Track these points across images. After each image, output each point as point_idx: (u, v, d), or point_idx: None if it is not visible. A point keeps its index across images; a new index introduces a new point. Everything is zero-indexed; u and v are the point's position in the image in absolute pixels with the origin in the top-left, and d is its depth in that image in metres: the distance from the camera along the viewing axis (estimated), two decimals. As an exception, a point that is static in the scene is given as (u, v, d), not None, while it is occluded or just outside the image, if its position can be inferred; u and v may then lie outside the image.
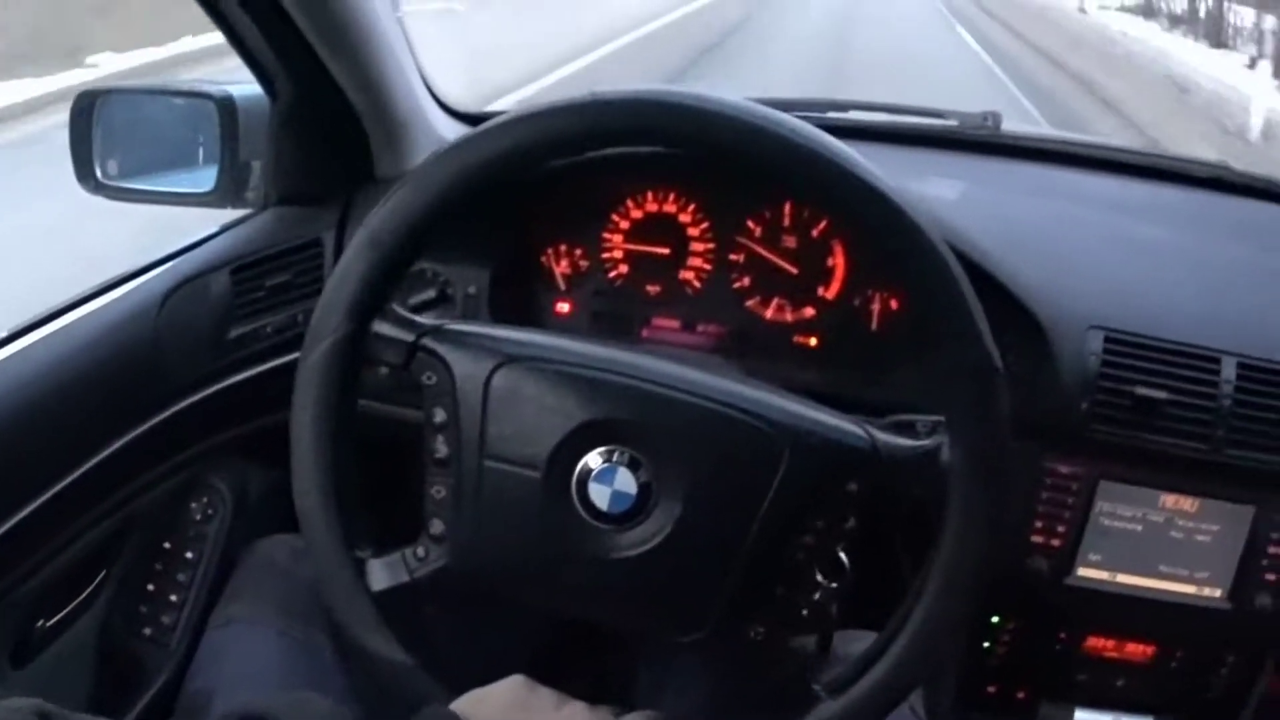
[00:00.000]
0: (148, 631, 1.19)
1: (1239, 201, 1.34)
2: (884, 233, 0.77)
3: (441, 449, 0.84)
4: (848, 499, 0.82)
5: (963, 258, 0.80)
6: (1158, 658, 1.20)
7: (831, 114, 1.37)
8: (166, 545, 1.20)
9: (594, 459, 0.82)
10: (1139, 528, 1.10)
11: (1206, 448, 1.06)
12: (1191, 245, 1.25)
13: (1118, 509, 1.09)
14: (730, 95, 0.80)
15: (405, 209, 0.82)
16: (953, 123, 1.37)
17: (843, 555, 0.87)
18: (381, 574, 0.85)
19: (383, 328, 0.84)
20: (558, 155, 0.81)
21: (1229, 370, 1.06)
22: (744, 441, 0.81)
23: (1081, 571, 1.10)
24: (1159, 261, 1.19)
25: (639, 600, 0.84)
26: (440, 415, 0.84)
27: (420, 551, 0.85)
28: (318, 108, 1.16)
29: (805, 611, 0.85)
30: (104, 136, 1.21)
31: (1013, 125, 1.37)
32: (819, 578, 0.85)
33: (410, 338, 0.84)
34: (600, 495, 0.82)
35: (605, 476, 0.82)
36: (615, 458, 0.81)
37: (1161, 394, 1.05)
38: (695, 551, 0.82)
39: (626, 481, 0.81)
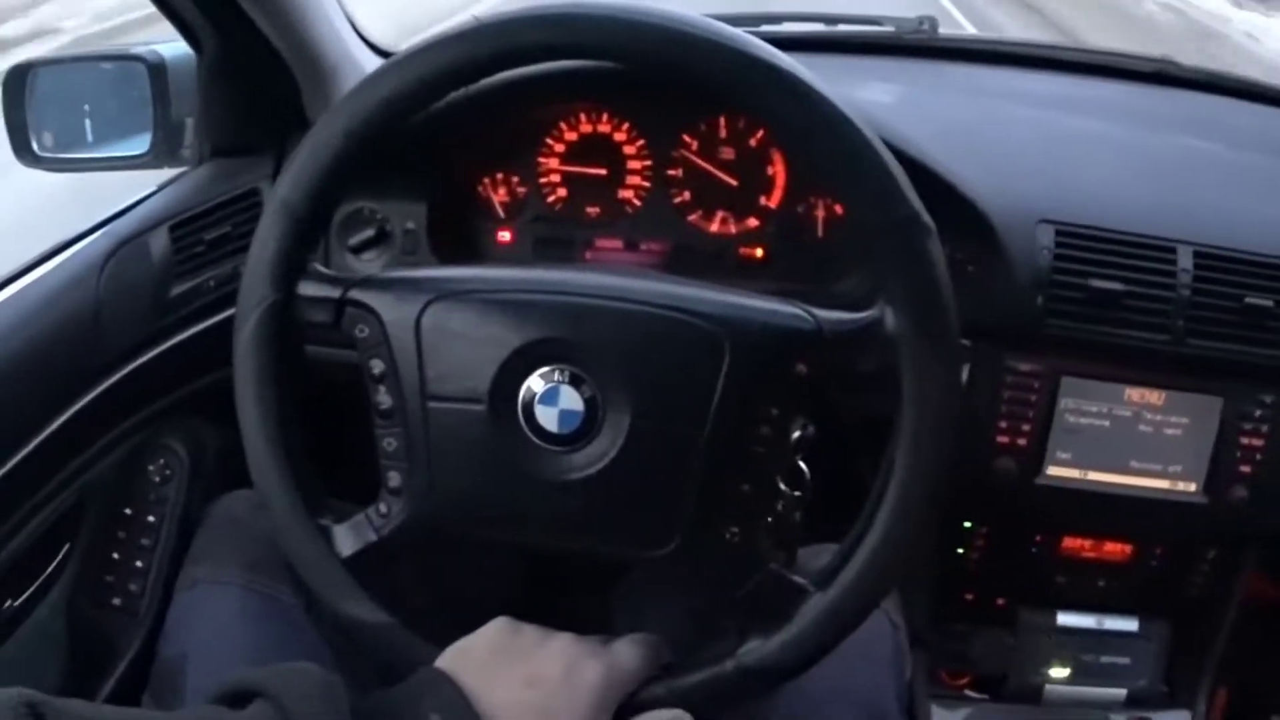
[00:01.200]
0: (116, 601, 1.18)
1: (1184, 94, 1.34)
2: (792, 111, 0.76)
3: (385, 400, 0.83)
4: (798, 382, 0.81)
5: (903, 157, 0.79)
6: (1136, 556, 1.19)
7: (765, 26, 1.36)
8: (127, 511, 1.18)
9: (535, 382, 0.80)
10: (1106, 423, 1.09)
11: (1167, 339, 1.05)
12: (1139, 137, 1.24)
13: (1082, 405, 1.08)
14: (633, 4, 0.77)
15: (307, 171, 0.81)
16: (889, 29, 1.36)
17: (802, 465, 0.86)
18: (347, 538, 0.84)
19: (307, 288, 0.83)
20: (449, 87, 0.79)
21: (1185, 259, 1.05)
22: (682, 339, 0.80)
23: (1051, 470, 1.10)
24: (1107, 154, 1.18)
25: (605, 519, 0.83)
26: (378, 366, 0.83)
27: (382, 508, 0.84)
28: (245, 58, 1.14)
29: (770, 519, 0.83)
30: (38, 109, 1.20)
31: (950, 30, 1.36)
32: (781, 485, 0.84)
33: (336, 294, 0.83)
34: (547, 417, 0.80)
35: (549, 398, 0.80)
36: (557, 377, 0.80)
37: (1118, 285, 1.04)
38: (653, 459, 0.80)
39: (571, 399, 0.80)
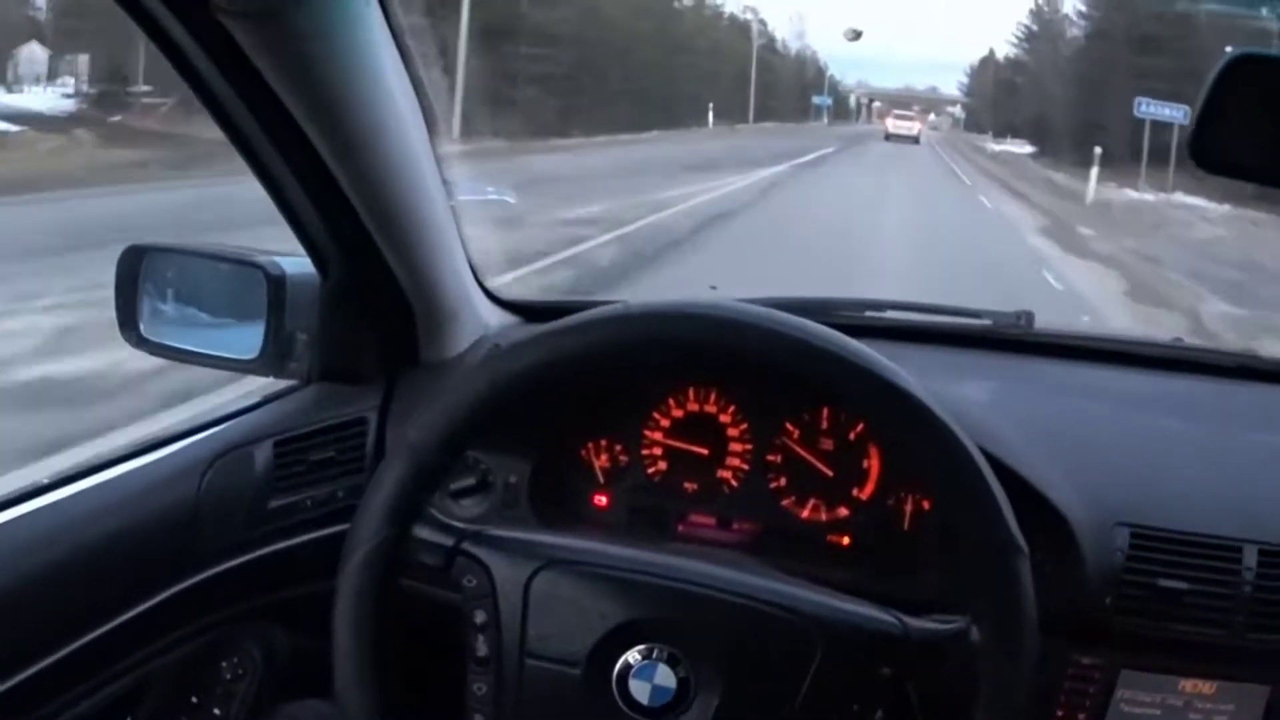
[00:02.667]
0: None
1: (1266, 388, 1.38)
2: (901, 424, 0.83)
3: (482, 648, 0.89)
4: (881, 682, 0.86)
5: (991, 459, 0.85)
6: None
7: (869, 313, 1.41)
8: (194, 699, 1.20)
9: (633, 656, 0.86)
10: (1158, 713, 1.11)
11: (1226, 633, 1.07)
12: (1216, 435, 1.27)
13: (1138, 696, 1.10)
14: (753, 305, 0.86)
15: (441, 421, 0.87)
16: (987, 322, 1.39)
17: None
18: None
19: (422, 532, 0.89)
20: (589, 368, 0.86)
21: (1250, 558, 1.08)
22: (778, 634, 0.86)
23: None
24: (1185, 453, 1.22)
25: None
26: (480, 616, 0.89)
27: None
28: (367, 289, 1.19)
29: None
30: (149, 293, 1.24)
31: (1047, 321, 1.39)
32: None
33: (450, 542, 0.90)
34: (641, 690, 0.86)
35: (645, 673, 0.86)
36: (655, 655, 0.86)
37: (1183, 585, 1.07)
38: None
39: (666, 677, 0.86)
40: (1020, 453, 1.08)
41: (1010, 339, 1.40)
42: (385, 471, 0.88)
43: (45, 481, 1.06)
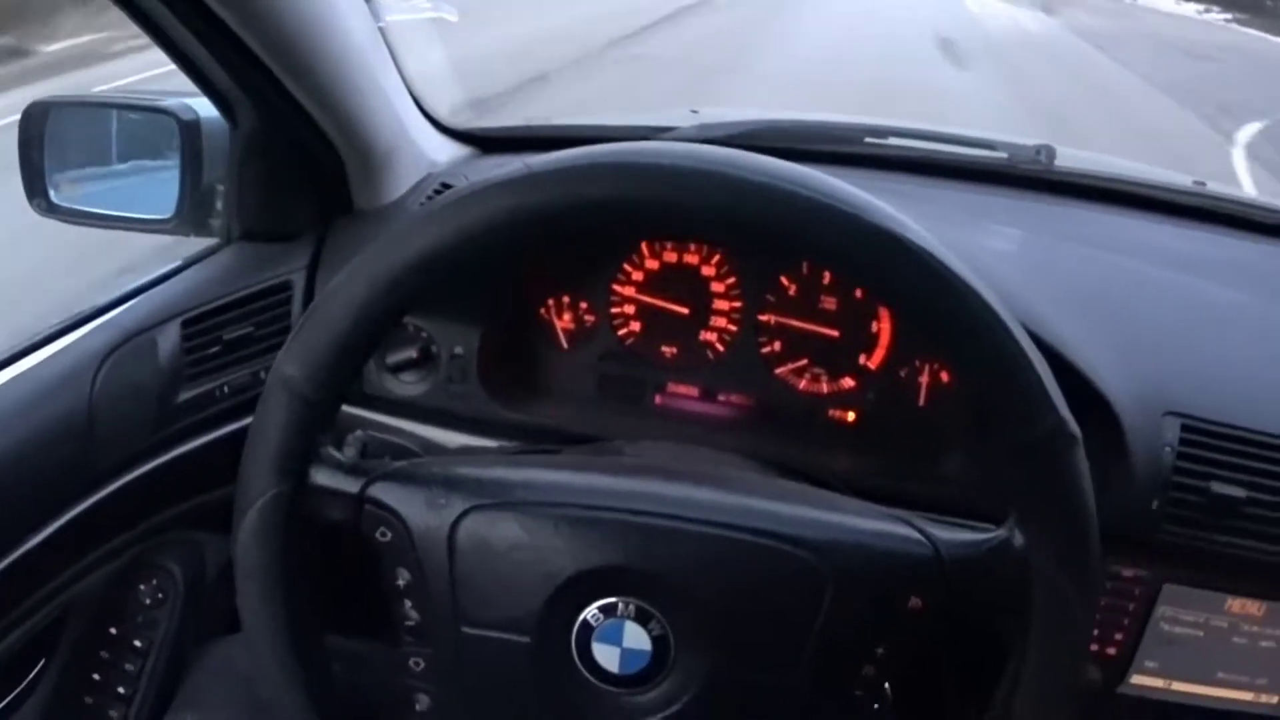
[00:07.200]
0: None
1: None
2: (922, 290, 0.63)
3: (412, 615, 0.72)
4: (911, 616, 0.69)
5: (1033, 338, 0.67)
6: None
7: (869, 140, 1.22)
8: (113, 631, 1.05)
9: (593, 614, 0.70)
10: (1200, 634, 0.97)
11: None
12: (1269, 308, 1.08)
13: (1180, 614, 0.97)
14: (711, 147, 0.64)
15: (318, 345, 0.66)
16: (1002, 155, 1.22)
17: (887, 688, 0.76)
18: None
19: (320, 477, 0.70)
20: (501, 243, 0.65)
21: None
22: (776, 571, 0.69)
23: (1135, 680, 0.98)
24: (1241, 333, 1.04)
25: None
26: (404, 576, 0.71)
27: None
28: (284, 134, 1.00)
29: None
30: (56, 153, 1.08)
31: (1068, 157, 1.21)
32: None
33: (354, 489, 0.70)
34: (607, 656, 0.70)
35: (610, 635, 0.70)
36: (620, 611, 0.69)
37: (1240, 492, 0.90)
38: (733, 709, 0.70)
39: (637, 637, 0.69)
40: (1054, 320, 0.91)
41: (1029, 176, 1.21)
42: (263, 414, 0.69)
43: None
